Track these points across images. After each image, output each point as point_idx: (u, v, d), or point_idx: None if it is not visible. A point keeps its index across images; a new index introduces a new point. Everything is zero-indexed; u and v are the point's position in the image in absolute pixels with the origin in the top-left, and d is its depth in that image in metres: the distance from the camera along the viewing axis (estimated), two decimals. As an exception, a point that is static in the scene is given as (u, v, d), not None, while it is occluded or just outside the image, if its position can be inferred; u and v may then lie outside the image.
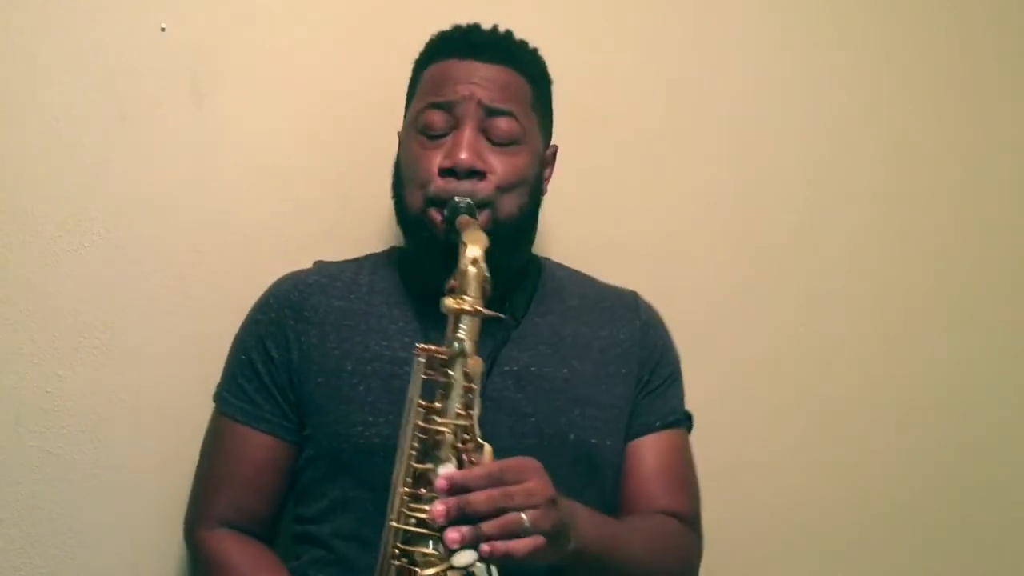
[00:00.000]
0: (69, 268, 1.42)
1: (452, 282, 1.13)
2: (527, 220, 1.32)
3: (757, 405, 1.72)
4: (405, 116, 1.37)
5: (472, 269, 1.13)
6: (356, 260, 1.41)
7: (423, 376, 1.11)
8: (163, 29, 1.45)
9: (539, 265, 1.42)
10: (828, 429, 1.76)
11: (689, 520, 1.34)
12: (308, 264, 1.47)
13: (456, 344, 1.10)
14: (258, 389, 1.31)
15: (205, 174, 1.48)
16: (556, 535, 1.06)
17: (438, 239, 1.25)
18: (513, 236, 1.28)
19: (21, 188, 1.40)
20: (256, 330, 1.33)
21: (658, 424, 1.35)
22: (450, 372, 1.10)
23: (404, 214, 1.31)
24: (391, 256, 1.41)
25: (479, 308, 1.11)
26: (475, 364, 1.11)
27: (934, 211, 1.82)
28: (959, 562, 1.81)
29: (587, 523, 1.14)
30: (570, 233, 1.60)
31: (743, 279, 1.72)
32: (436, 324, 1.23)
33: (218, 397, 1.34)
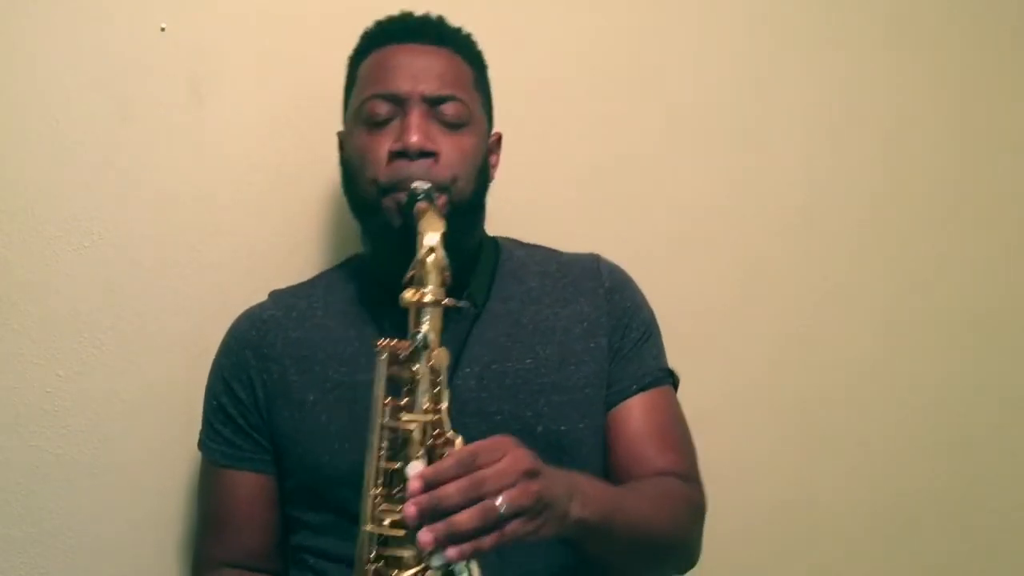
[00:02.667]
0: (69, 268, 1.42)
1: (411, 272, 1.09)
2: (479, 202, 1.31)
3: (756, 406, 1.72)
4: (345, 113, 1.35)
5: (430, 258, 1.09)
6: (310, 282, 1.39)
7: (387, 373, 1.08)
8: (163, 29, 1.45)
9: (497, 247, 1.38)
10: (827, 429, 1.76)
11: (686, 476, 1.30)
12: (309, 263, 1.48)
13: (419, 337, 1.06)
14: (235, 431, 1.30)
15: (205, 174, 1.48)
16: (541, 509, 1.00)
17: (393, 228, 1.22)
18: (468, 219, 1.26)
19: (21, 188, 1.40)
20: (221, 374, 1.32)
21: (634, 388, 1.31)
22: (415, 367, 1.06)
23: (358, 207, 1.29)
24: (348, 268, 1.39)
25: (439, 298, 1.08)
26: (440, 356, 1.07)
27: (933, 211, 1.82)
28: (959, 562, 1.81)
29: (590, 490, 1.09)
30: (569, 233, 1.60)
31: (742, 279, 1.72)
32: (400, 328, 1.20)
33: (201, 444, 1.34)
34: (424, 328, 1.06)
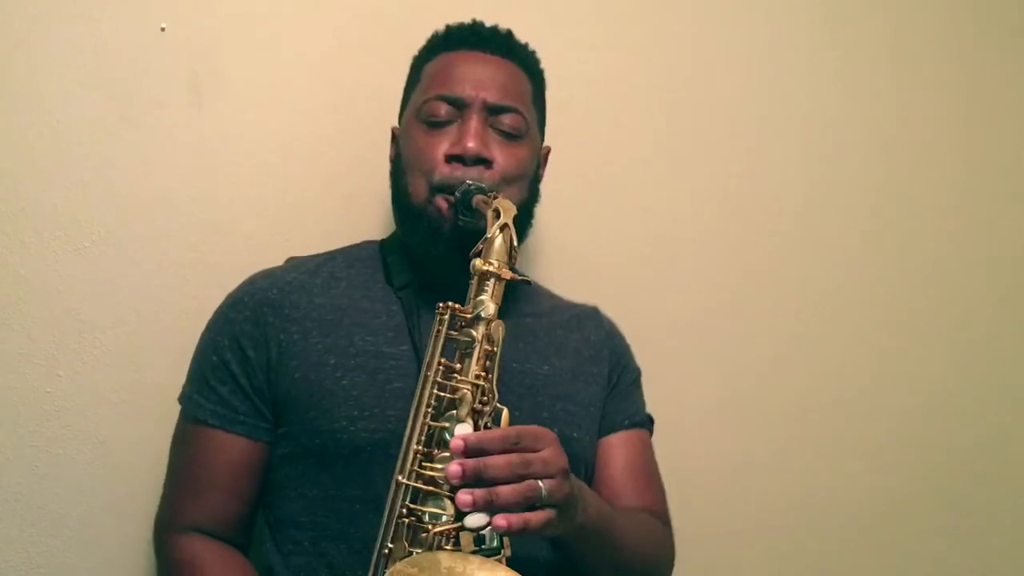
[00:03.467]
0: (69, 268, 1.42)
1: (480, 245, 1.14)
2: (526, 214, 1.32)
3: (755, 407, 1.72)
4: (403, 110, 1.38)
5: (500, 235, 1.14)
6: (328, 254, 1.39)
7: (446, 335, 1.11)
8: (163, 29, 1.45)
9: None
10: (826, 430, 1.76)
11: (660, 516, 1.36)
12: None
13: (480, 305, 1.10)
14: (233, 391, 1.26)
15: (205, 174, 1.48)
16: (567, 507, 1.05)
17: (443, 229, 1.25)
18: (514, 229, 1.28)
19: (21, 188, 1.40)
20: (230, 330, 1.28)
21: (626, 423, 1.37)
22: (472, 333, 1.10)
23: (406, 203, 1.30)
24: (367, 249, 1.40)
25: (504, 272, 1.12)
26: (497, 328, 1.11)
27: (933, 211, 1.82)
28: (958, 562, 1.81)
29: (590, 498, 1.15)
30: (569, 232, 1.60)
31: (742, 279, 1.72)
32: (422, 317, 1.24)
33: (187, 400, 1.30)
34: (485, 297, 1.11)
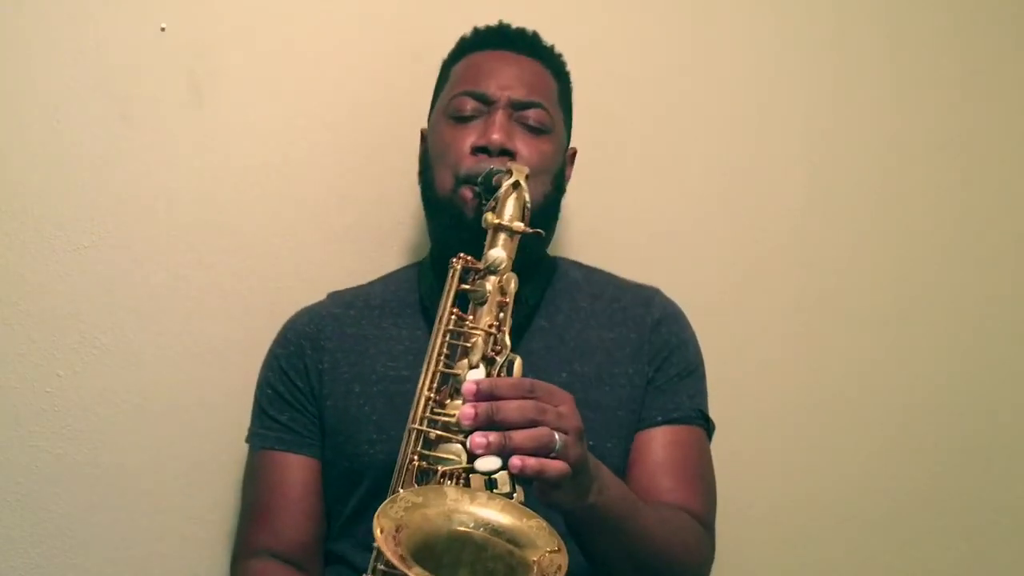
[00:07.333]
0: (69, 268, 1.42)
1: (492, 201, 1.16)
2: (551, 210, 1.33)
3: (757, 405, 1.72)
4: (431, 113, 1.39)
5: (514, 192, 1.16)
6: (370, 283, 1.43)
7: (459, 287, 1.13)
8: (163, 29, 1.45)
9: (553, 265, 1.42)
10: (828, 429, 1.76)
11: (702, 521, 1.29)
12: (308, 263, 1.48)
13: (492, 257, 1.12)
14: (292, 417, 1.33)
15: (205, 174, 1.48)
16: (580, 471, 1.01)
17: (467, 219, 1.26)
18: (537, 222, 1.25)
19: (21, 188, 1.40)
20: (278, 363, 1.36)
21: (659, 419, 1.32)
22: (485, 284, 1.12)
23: (433, 196, 1.33)
24: (408, 271, 1.43)
25: (516, 224, 1.14)
26: (509, 279, 1.12)
27: (934, 210, 1.82)
28: (959, 562, 1.81)
29: (610, 481, 1.10)
30: (571, 232, 1.60)
31: (743, 279, 1.72)
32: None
33: (252, 436, 1.36)
34: (498, 249, 1.13)
